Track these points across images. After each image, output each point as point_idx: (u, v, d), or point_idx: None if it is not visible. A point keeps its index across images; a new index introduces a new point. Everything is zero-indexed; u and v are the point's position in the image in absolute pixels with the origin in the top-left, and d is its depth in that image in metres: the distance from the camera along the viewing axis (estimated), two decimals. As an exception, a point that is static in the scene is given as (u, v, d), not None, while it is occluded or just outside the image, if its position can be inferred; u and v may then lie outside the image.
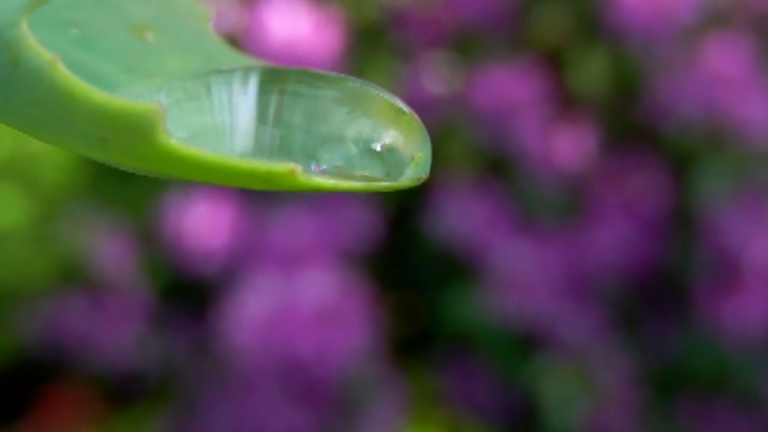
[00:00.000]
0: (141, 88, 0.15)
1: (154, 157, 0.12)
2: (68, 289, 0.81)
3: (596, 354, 0.80)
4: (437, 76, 0.83)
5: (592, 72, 0.84)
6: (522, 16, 0.85)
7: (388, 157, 0.15)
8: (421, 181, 0.15)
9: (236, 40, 0.77)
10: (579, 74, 0.84)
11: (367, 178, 0.15)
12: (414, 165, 0.15)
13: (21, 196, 0.80)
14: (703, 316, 0.79)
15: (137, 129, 0.12)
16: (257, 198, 0.79)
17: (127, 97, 0.12)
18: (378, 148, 0.15)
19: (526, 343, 0.80)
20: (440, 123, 0.80)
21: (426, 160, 0.15)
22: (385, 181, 0.15)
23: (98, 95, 0.12)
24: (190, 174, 0.13)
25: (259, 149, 0.14)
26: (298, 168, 0.13)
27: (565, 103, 0.83)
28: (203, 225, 0.78)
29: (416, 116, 0.15)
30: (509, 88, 0.81)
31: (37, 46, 0.12)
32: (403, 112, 0.15)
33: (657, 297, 0.83)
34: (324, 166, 0.15)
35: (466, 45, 0.84)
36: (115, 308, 0.80)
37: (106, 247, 0.80)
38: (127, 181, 0.82)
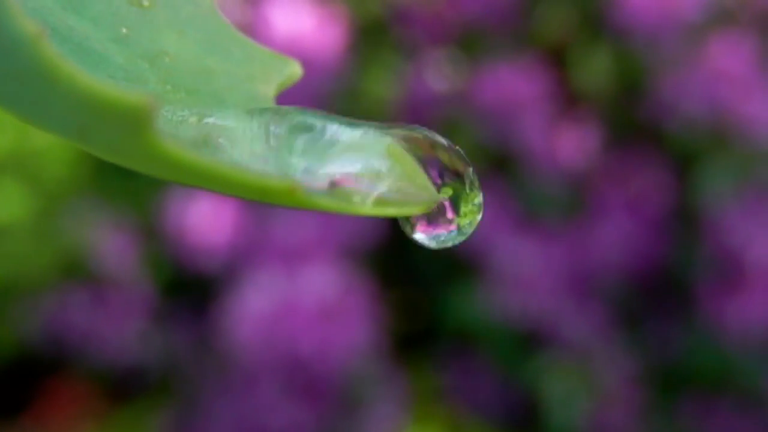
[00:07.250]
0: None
1: (139, 156, 0.11)
2: (70, 284, 0.81)
3: (599, 352, 0.79)
4: (441, 73, 0.82)
5: (596, 70, 0.83)
6: (526, 13, 0.84)
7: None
8: (430, 209, 0.14)
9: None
10: (583, 72, 0.84)
11: (375, 201, 0.14)
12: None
13: (23, 190, 0.79)
14: (705, 314, 0.79)
15: (123, 123, 0.10)
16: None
17: (117, 83, 0.11)
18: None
19: (529, 341, 0.80)
20: (443, 120, 0.80)
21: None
22: (392, 206, 0.14)
23: (83, 78, 0.10)
24: (177, 177, 0.12)
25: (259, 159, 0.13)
26: (299, 184, 0.12)
27: (569, 100, 0.83)
28: (206, 221, 0.78)
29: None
30: (513, 85, 0.81)
31: (23, 16, 0.10)
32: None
33: (660, 295, 0.83)
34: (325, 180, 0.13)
35: (469, 42, 0.84)
36: (117, 303, 0.80)
37: (109, 242, 0.80)
38: (130, 176, 0.82)
